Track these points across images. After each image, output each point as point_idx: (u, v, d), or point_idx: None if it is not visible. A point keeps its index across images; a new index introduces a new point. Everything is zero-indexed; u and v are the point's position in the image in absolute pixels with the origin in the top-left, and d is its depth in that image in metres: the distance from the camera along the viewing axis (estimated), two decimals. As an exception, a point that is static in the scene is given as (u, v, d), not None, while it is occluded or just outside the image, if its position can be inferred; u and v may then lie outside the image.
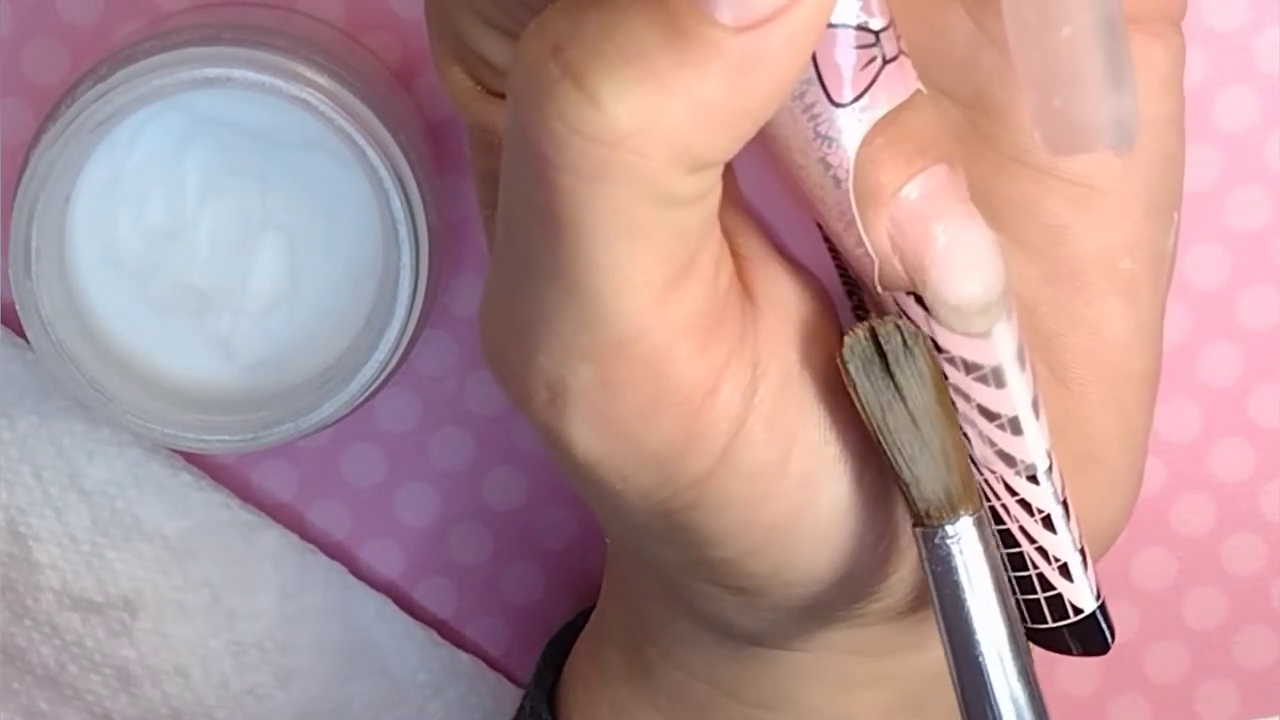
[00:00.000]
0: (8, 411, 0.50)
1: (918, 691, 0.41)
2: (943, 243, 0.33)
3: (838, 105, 0.33)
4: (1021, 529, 0.35)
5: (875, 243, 0.33)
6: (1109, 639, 0.37)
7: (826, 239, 0.35)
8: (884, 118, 0.33)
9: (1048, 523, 0.35)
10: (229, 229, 0.46)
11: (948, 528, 0.34)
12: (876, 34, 0.32)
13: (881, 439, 0.34)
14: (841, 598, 0.37)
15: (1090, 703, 0.52)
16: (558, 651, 0.46)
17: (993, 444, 0.35)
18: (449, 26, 0.35)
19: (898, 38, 0.33)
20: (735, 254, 0.35)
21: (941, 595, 0.35)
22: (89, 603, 0.50)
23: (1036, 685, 0.35)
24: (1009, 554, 0.36)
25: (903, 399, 0.34)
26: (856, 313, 0.36)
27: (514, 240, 0.33)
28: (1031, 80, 0.32)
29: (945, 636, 0.35)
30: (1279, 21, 0.50)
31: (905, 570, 0.37)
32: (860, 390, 0.34)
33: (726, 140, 0.31)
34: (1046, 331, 0.37)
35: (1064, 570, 0.36)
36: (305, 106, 0.44)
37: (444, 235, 0.47)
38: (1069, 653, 0.37)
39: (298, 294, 0.46)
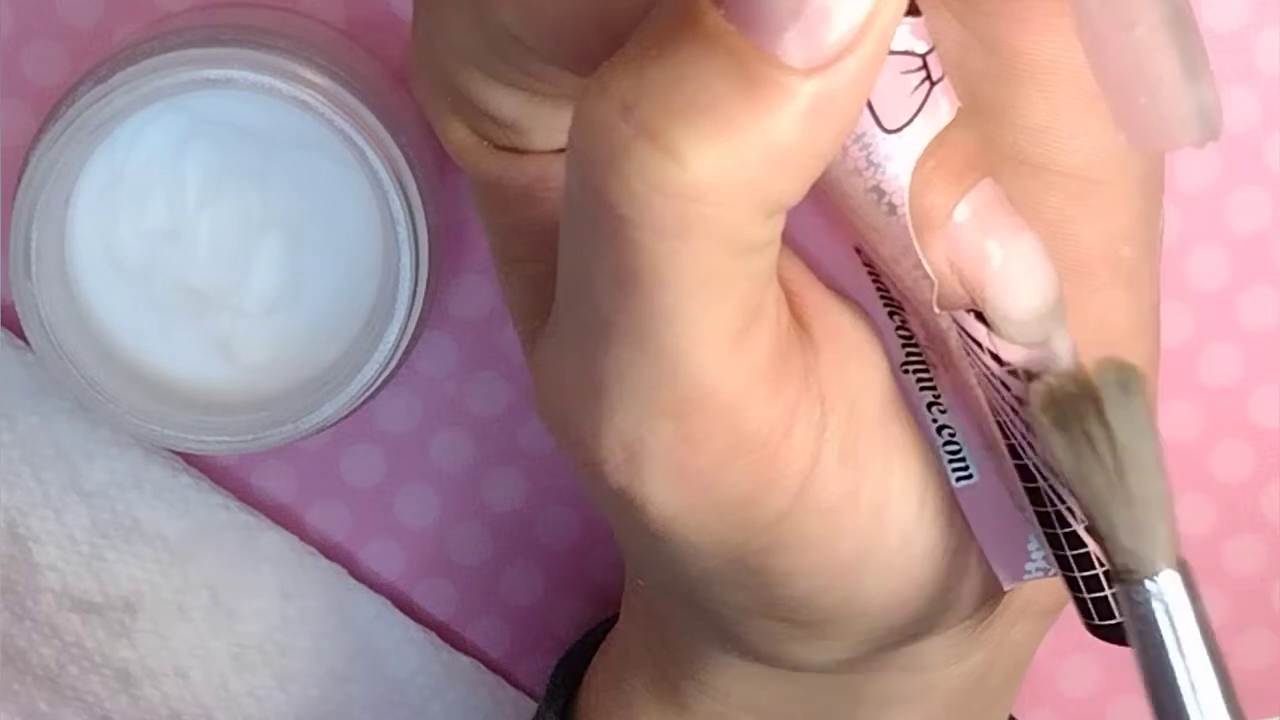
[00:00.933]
0: (8, 413, 0.50)
1: (958, 701, 0.40)
2: (999, 258, 0.33)
3: (889, 132, 0.32)
4: (1076, 535, 0.35)
5: (934, 264, 0.33)
6: None
7: (867, 264, 0.35)
8: (934, 140, 0.33)
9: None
10: (229, 230, 0.46)
11: (1148, 583, 0.33)
12: (923, 57, 0.32)
13: (1077, 491, 0.33)
14: (905, 622, 0.37)
15: (1091, 703, 0.52)
16: (569, 672, 0.45)
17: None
18: (447, 83, 0.35)
19: (939, 59, 0.33)
20: (785, 289, 0.34)
21: (1146, 656, 0.33)
22: (89, 604, 0.50)
23: None
24: (1075, 555, 0.35)
25: (1109, 448, 0.33)
26: (900, 333, 0.35)
27: (582, 302, 0.32)
28: (1111, 84, 0.32)
29: (1152, 701, 0.33)
30: (1279, 22, 0.50)
31: (965, 588, 0.37)
32: (1056, 435, 0.33)
33: (801, 182, 0.31)
34: None
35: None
36: (305, 107, 0.44)
37: (444, 236, 0.47)
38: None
39: (298, 295, 0.46)
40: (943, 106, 0.33)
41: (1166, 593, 0.33)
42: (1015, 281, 0.33)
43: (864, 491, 0.35)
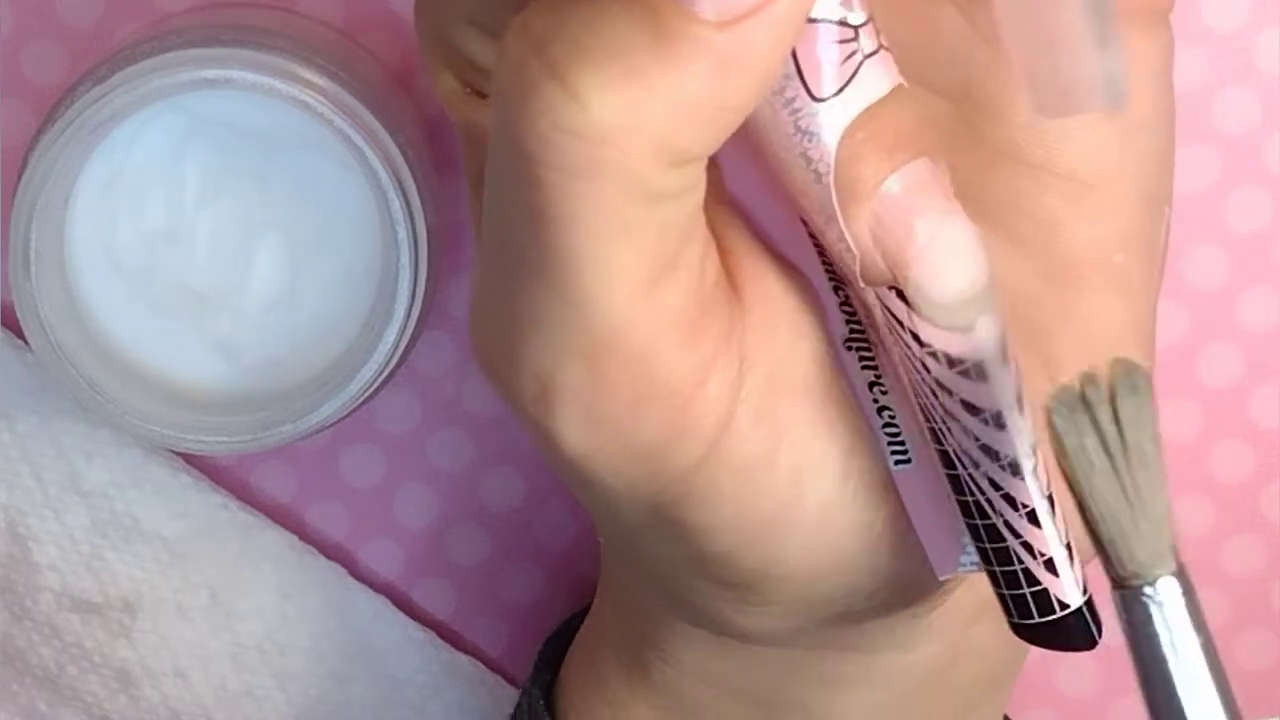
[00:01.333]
0: (7, 412, 0.50)
1: (908, 691, 0.40)
2: (925, 237, 0.33)
3: (818, 100, 0.33)
4: (1007, 524, 0.35)
5: (857, 237, 0.33)
6: (1096, 635, 0.36)
7: (811, 234, 0.35)
8: (865, 112, 0.33)
9: (1032, 517, 0.35)
10: (228, 230, 0.46)
11: (1146, 589, 0.32)
12: (856, 29, 0.32)
13: (1081, 493, 0.33)
14: (835, 594, 0.37)
15: (1091, 704, 0.52)
16: (555, 650, 0.46)
17: (976, 439, 0.34)
18: (438, 31, 0.36)
19: (877, 32, 0.33)
20: (721, 248, 0.35)
21: (1144, 663, 0.33)
22: (88, 604, 0.50)
23: None
24: (994, 549, 0.35)
25: (1121, 451, 0.33)
26: (844, 309, 0.36)
27: (500, 237, 0.33)
28: (1018, 44, 0.31)
29: (1151, 712, 0.33)
30: (1279, 22, 0.50)
31: (899, 569, 0.37)
32: (1065, 439, 0.32)
33: (710, 135, 0.31)
34: (1039, 327, 0.37)
35: (1049, 565, 0.35)
36: (304, 107, 0.44)
37: (443, 236, 0.47)
38: (1056, 648, 0.36)
39: (297, 295, 0.46)
40: (877, 80, 0.33)
41: (1166, 600, 0.33)
42: (939, 262, 0.33)
43: (781, 455, 0.35)
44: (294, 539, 0.50)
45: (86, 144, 0.44)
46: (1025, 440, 0.34)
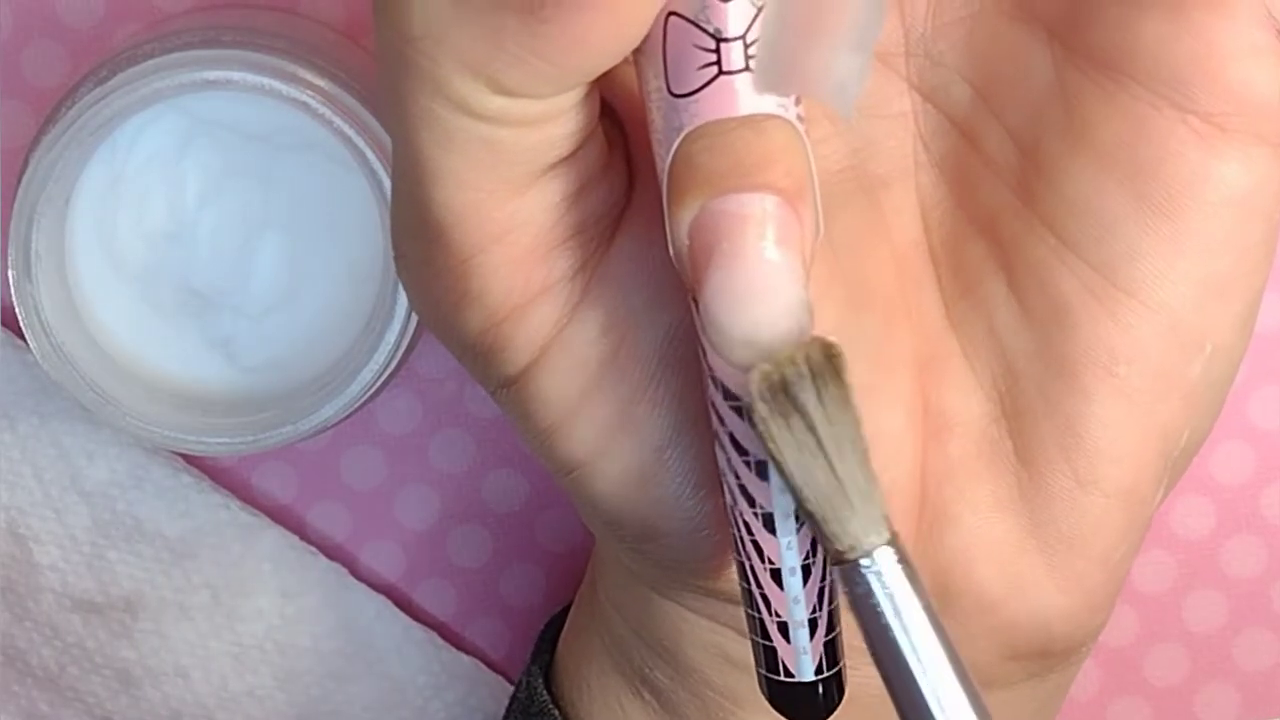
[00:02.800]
0: (8, 413, 0.50)
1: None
2: (727, 266, 0.32)
3: (675, 95, 0.33)
4: (753, 570, 0.34)
5: (674, 237, 0.33)
6: (817, 715, 0.35)
7: None
8: (715, 125, 0.32)
9: (775, 576, 0.34)
10: (229, 231, 0.46)
11: (864, 560, 0.33)
12: (719, 41, 0.32)
13: (789, 475, 0.33)
14: (664, 550, 0.37)
15: (1091, 706, 0.52)
16: (556, 630, 0.46)
17: (737, 476, 0.34)
18: None
19: (751, 58, 0.32)
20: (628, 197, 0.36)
21: (872, 635, 0.33)
22: (89, 604, 0.50)
23: (985, 712, 0.34)
24: (743, 587, 0.35)
25: (816, 428, 0.32)
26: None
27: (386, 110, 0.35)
28: (777, 11, 0.32)
29: (885, 681, 0.33)
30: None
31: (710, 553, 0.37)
32: (765, 419, 0.32)
33: (527, 77, 0.32)
34: (1020, 406, 0.37)
35: (783, 629, 0.34)
36: (305, 109, 0.44)
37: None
38: (777, 708, 0.35)
39: (298, 296, 0.46)
40: (736, 101, 0.32)
41: (883, 569, 0.33)
42: (730, 298, 0.32)
43: (595, 409, 0.36)
44: (295, 539, 0.50)
45: (87, 145, 0.44)
46: (789, 503, 0.33)
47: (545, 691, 0.44)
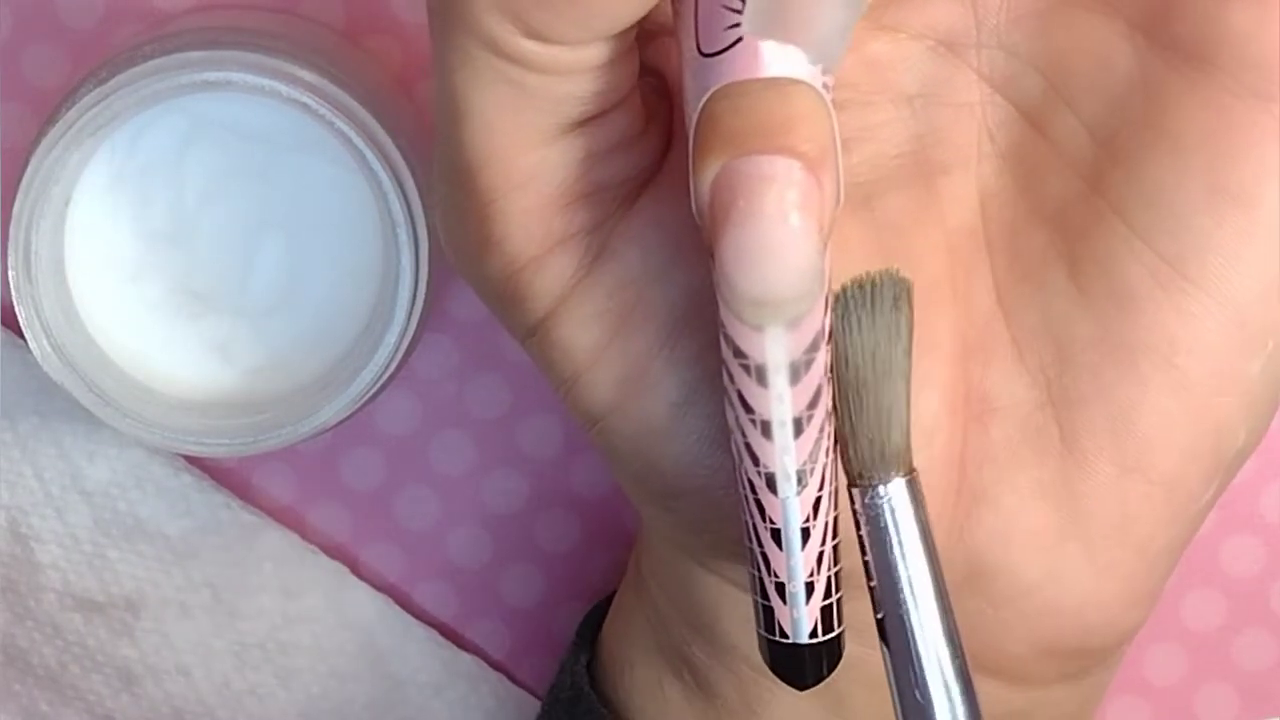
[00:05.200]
0: (9, 412, 0.50)
1: (837, 681, 0.40)
2: (743, 224, 0.32)
3: (704, 55, 0.33)
4: (755, 528, 0.35)
5: (696, 193, 0.33)
6: (807, 679, 0.36)
7: None
8: (740, 85, 0.33)
9: (775, 536, 0.34)
10: (229, 232, 0.46)
11: (880, 488, 0.34)
12: (745, 1, 0.33)
13: (839, 382, 0.34)
14: (689, 509, 0.37)
15: (1090, 704, 0.52)
16: (596, 621, 0.46)
17: (744, 434, 0.34)
18: None
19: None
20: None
21: (873, 556, 0.35)
22: (91, 603, 0.50)
23: (962, 650, 0.35)
24: (745, 546, 0.35)
25: (872, 351, 0.34)
26: None
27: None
28: None
29: (873, 598, 0.35)
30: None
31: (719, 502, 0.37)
32: (845, 331, 0.34)
33: (555, 20, 0.33)
34: (1070, 393, 0.37)
35: (780, 589, 0.35)
36: (305, 110, 0.44)
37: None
38: (773, 670, 0.36)
39: (297, 297, 0.46)
40: (761, 64, 0.33)
41: (895, 499, 0.34)
42: (745, 256, 0.32)
43: (613, 361, 0.37)
44: (296, 538, 0.50)
45: (87, 146, 0.44)
46: (791, 463, 0.34)
47: (591, 691, 0.44)
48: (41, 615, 0.50)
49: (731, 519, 0.37)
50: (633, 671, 0.43)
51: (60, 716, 0.50)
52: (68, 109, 0.44)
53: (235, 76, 0.44)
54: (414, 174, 0.44)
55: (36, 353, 0.45)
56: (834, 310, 0.34)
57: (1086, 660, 0.39)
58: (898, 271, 0.34)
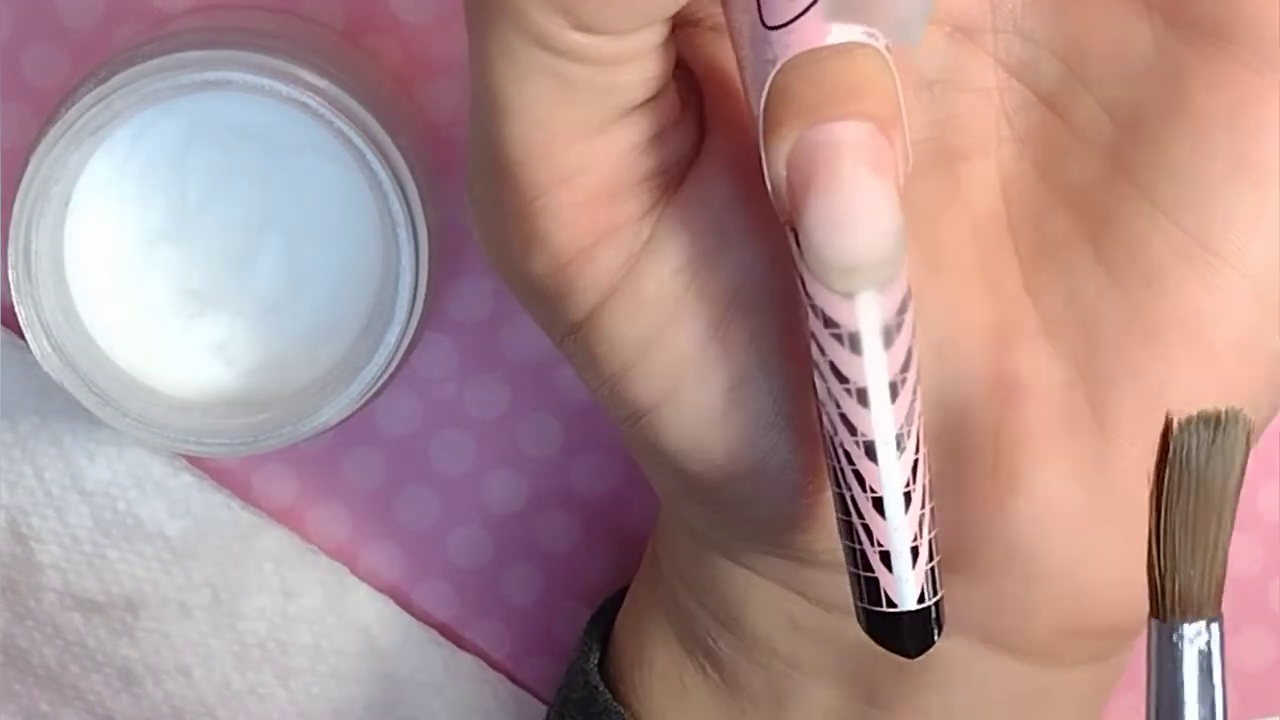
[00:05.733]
0: (9, 412, 0.50)
1: (867, 671, 0.40)
2: (826, 193, 0.33)
3: (768, 27, 0.33)
4: (853, 500, 0.35)
5: (771, 168, 0.33)
6: (918, 645, 0.36)
7: None
8: (809, 55, 0.33)
9: (878, 504, 0.35)
10: (229, 232, 0.46)
11: (1185, 627, 0.34)
12: None
13: (1160, 517, 0.33)
14: (736, 498, 0.37)
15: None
16: (605, 622, 0.46)
17: (839, 406, 0.34)
18: None
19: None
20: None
21: (1159, 694, 0.34)
22: (91, 603, 0.50)
23: None
24: (842, 521, 0.35)
25: (1202, 488, 0.33)
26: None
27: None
28: None
29: None
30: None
31: (821, 507, 0.37)
32: (1174, 467, 0.33)
33: (608, 10, 0.33)
34: (1100, 373, 0.37)
35: (884, 558, 0.35)
36: (305, 110, 0.44)
37: (444, 238, 0.47)
38: (879, 641, 0.36)
39: (297, 297, 0.46)
40: (831, 31, 0.33)
41: (1203, 640, 0.33)
42: (832, 222, 0.33)
43: (665, 350, 0.36)
44: (296, 538, 0.50)
45: (87, 146, 0.44)
46: (889, 427, 0.34)
47: (606, 690, 0.44)
48: (41, 615, 0.50)
49: (777, 502, 0.37)
50: (652, 669, 0.43)
51: (60, 716, 0.50)
52: (68, 109, 0.44)
53: (235, 76, 0.44)
54: (414, 174, 0.44)
55: (36, 353, 0.45)
56: (1171, 439, 0.33)
57: (1114, 640, 0.40)
58: (1241, 410, 0.33)
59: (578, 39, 0.34)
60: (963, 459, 0.37)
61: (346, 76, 0.45)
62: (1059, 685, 0.40)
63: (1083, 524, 0.37)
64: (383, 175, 0.44)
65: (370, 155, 0.44)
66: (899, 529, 0.35)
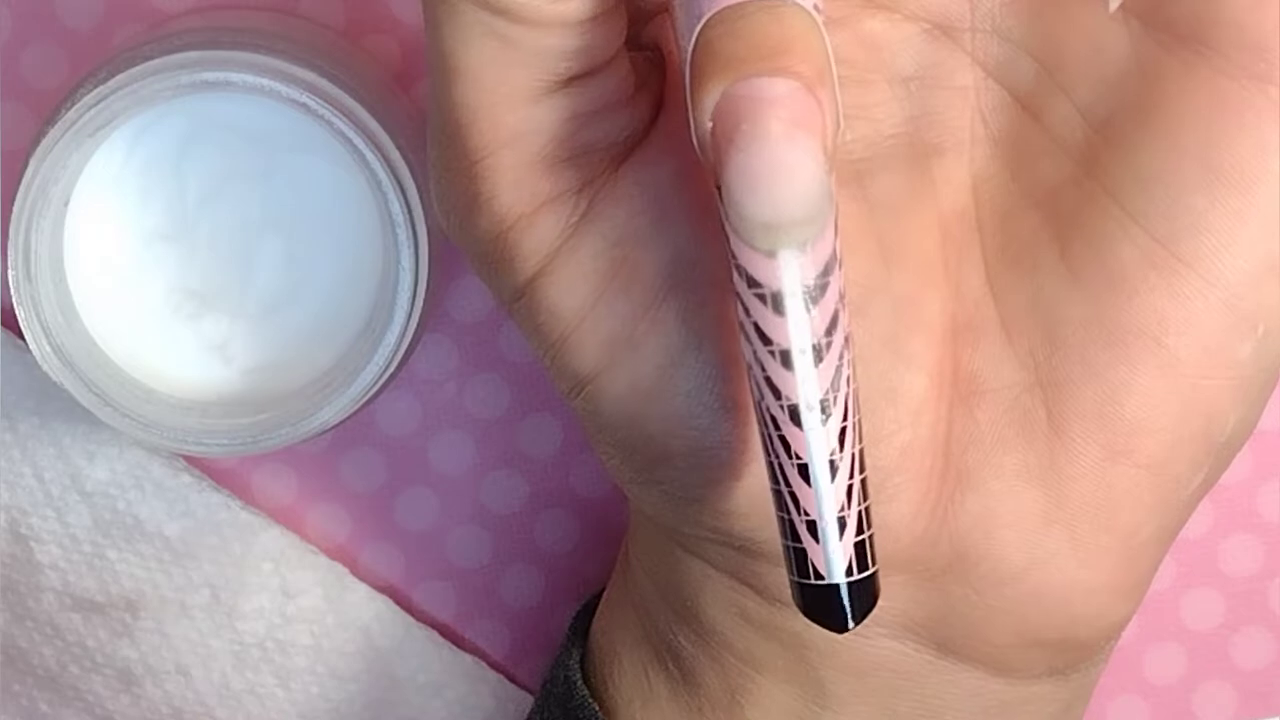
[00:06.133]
0: (9, 413, 0.50)
1: (816, 668, 0.40)
2: (748, 148, 0.32)
3: None
4: (780, 467, 0.34)
5: (697, 124, 0.33)
6: (847, 620, 0.34)
7: None
8: (734, 9, 0.33)
9: (803, 472, 0.34)
10: (228, 232, 0.46)
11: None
12: None
13: None
14: (675, 475, 0.37)
15: (1091, 703, 0.52)
16: (588, 618, 0.46)
17: (763, 368, 0.34)
18: None
19: None
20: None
21: None
22: (90, 603, 0.50)
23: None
24: (773, 490, 0.34)
25: None
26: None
27: None
28: None
29: None
30: None
31: (750, 488, 0.37)
32: None
33: None
34: (1059, 375, 0.37)
35: (811, 527, 0.34)
36: (305, 110, 0.44)
37: (443, 238, 0.47)
38: (807, 614, 0.35)
39: (297, 297, 0.46)
40: None
41: None
42: (751, 177, 0.32)
43: (600, 321, 0.37)
44: (295, 538, 0.50)
45: (87, 146, 0.44)
46: (814, 392, 0.33)
47: (584, 686, 0.44)
48: (41, 616, 0.50)
49: (715, 482, 0.37)
50: (620, 664, 0.43)
51: (60, 717, 0.50)
52: (68, 109, 0.44)
53: (235, 77, 0.44)
54: (414, 174, 0.44)
55: (36, 353, 0.45)
56: None
57: (1073, 654, 0.39)
58: None
59: (523, 3, 0.34)
60: (908, 454, 0.37)
61: (346, 77, 0.45)
62: (1018, 700, 0.40)
63: (1035, 527, 0.37)
64: (382, 175, 0.44)
65: (370, 155, 0.44)
66: (826, 497, 0.34)
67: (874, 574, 0.35)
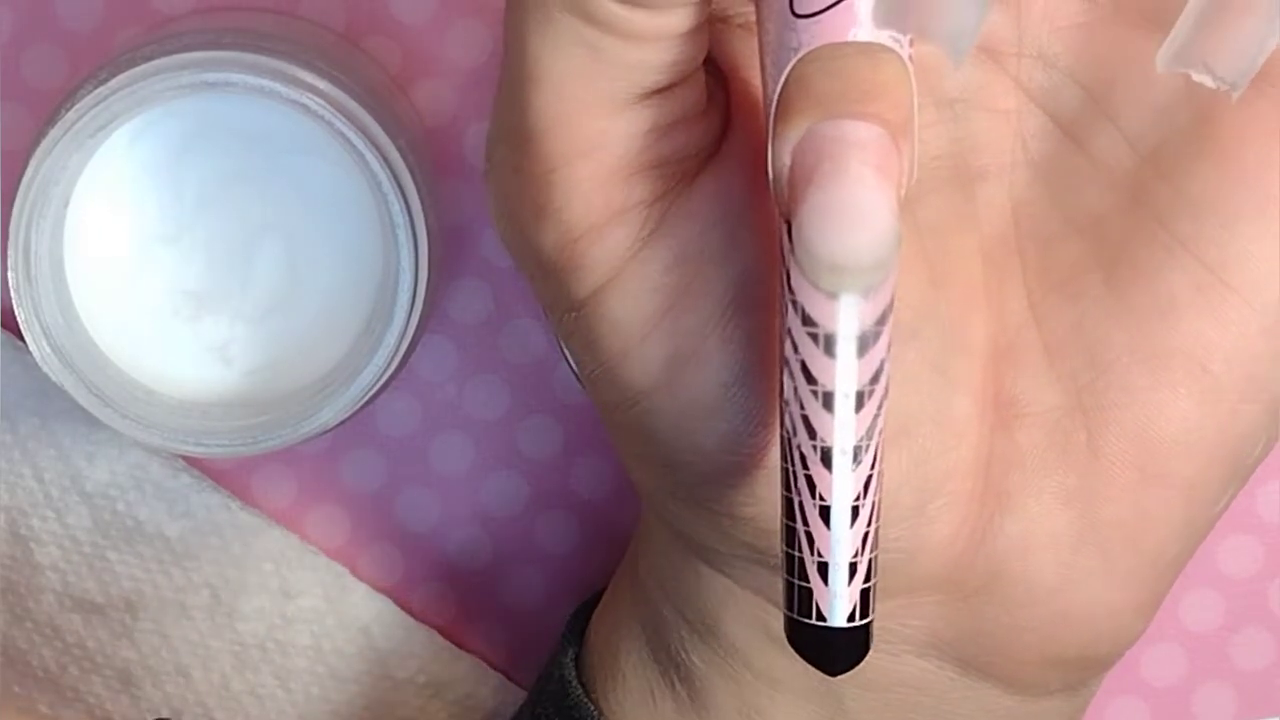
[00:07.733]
0: (9, 414, 0.50)
1: (836, 687, 0.40)
2: (828, 187, 0.32)
3: (795, 14, 0.33)
4: (800, 505, 0.34)
5: (776, 157, 0.33)
6: (838, 664, 0.35)
7: None
8: (832, 48, 0.33)
9: (824, 514, 0.34)
10: (228, 234, 0.46)
11: None
12: None
13: None
14: (719, 494, 0.37)
15: (1089, 706, 0.52)
16: (584, 619, 0.46)
17: (802, 406, 0.34)
18: None
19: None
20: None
21: None
22: (90, 604, 0.50)
23: None
24: (786, 525, 0.34)
25: None
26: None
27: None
28: None
29: None
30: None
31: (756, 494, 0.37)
32: None
33: None
34: (1103, 399, 0.37)
35: (822, 569, 0.34)
36: (305, 111, 0.44)
37: (443, 239, 0.47)
38: (802, 655, 0.35)
39: (297, 299, 0.46)
40: (854, 26, 0.33)
41: None
42: (826, 218, 0.32)
43: (664, 335, 0.36)
44: (295, 539, 0.50)
45: (87, 147, 0.44)
46: (849, 438, 0.34)
47: (579, 685, 0.44)
48: (41, 616, 0.50)
49: (766, 501, 0.37)
50: (624, 682, 0.43)
51: (60, 717, 0.50)
52: (67, 110, 0.44)
53: (235, 78, 0.44)
54: (414, 174, 0.44)
55: (36, 354, 0.45)
56: None
57: (1088, 670, 0.39)
58: None
59: (617, 10, 0.34)
60: (951, 476, 0.37)
61: (346, 78, 0.45)
62: (1027, 715, 0.40)
63: (1069, 549, 0.37)
64: (383, 177, 0.44)
65: (370, 157, 0.44)
66: (841, 541, 0.34)
67: (871, 623, 0.35)
